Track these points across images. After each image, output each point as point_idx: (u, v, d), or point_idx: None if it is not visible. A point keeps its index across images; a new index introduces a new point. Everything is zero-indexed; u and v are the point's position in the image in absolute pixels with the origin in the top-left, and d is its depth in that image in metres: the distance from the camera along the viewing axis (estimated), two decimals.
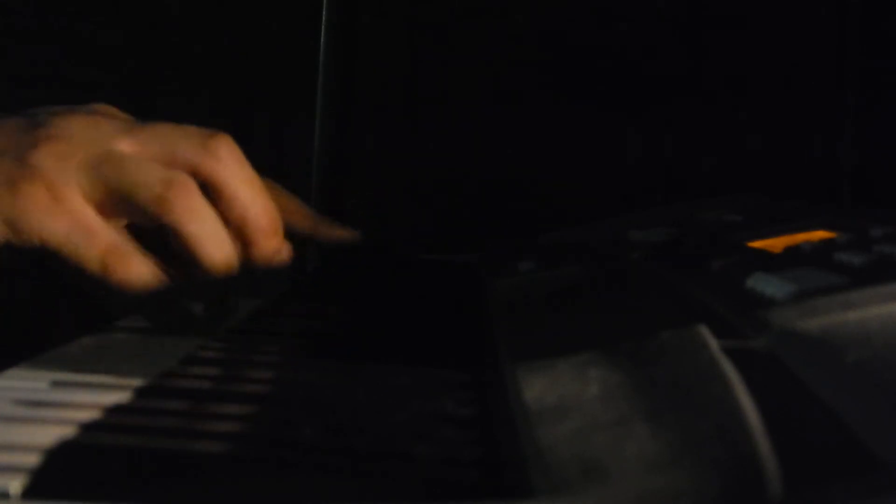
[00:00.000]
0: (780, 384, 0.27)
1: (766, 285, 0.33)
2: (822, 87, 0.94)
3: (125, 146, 0.45)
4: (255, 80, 0.98)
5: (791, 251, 0.41)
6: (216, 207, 0.46)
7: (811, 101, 0.95)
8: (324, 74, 0.92)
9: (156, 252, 0.45)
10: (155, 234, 0.46)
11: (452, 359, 0.42)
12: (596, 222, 0.69)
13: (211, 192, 0.46)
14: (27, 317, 0.84)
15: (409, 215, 1.00)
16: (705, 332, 0.30)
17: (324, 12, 0.93)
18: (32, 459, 0.28)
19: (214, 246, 0.46)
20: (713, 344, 0.29)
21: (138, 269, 0.44)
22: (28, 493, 0.26)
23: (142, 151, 0.45)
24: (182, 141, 0.46)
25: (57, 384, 0.37)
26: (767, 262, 0.38)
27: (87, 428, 0.31)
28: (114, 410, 0.33)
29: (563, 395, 0.29)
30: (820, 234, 0.45)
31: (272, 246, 0.49)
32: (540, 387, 0.30)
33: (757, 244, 0.45)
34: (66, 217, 0.43)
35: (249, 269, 0.48)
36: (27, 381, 0.38)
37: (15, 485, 0.26)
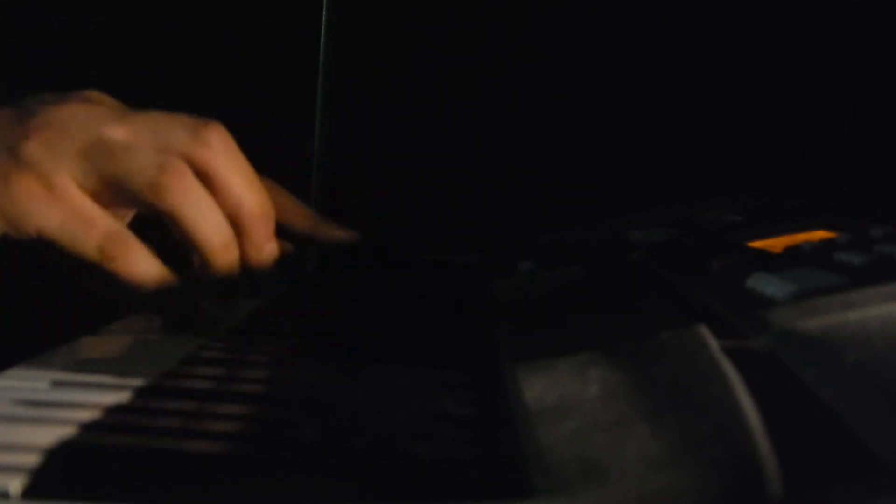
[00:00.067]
0: (780, 384, 0.27)
1: (766, 285, 0.33)
2: (822, 87, 0.94)
3: (117, 133, 0.44)
4: (255, 80, 0.98)
5: (791, 251, 0.41)
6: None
7: (811, 101, 0.95)
8: (324, 74, 0.92)
9: (157, 251, 0.45)
10: (155, 232, 0.46)
11: (452, 359, 0.42)
12: (596, 222, 0.68)
13: (203, 180, 0.46)
14: (27, 317, 0.84)
15: (409, 215, 1.00)
16: (705, 332, 0.30)
17: (324, 12, 0.93)
18: (32, 459, 0.28)
19: (211, 228, 0.45)
20: (713, 344, 0.29)
21: (138, 256, 0.43)
22: (28, 493, 0.26)
23: (134, 139, 0.44)
24: (174, 128, 0.45)
25: (57, 384, 0.37)
26: (767, 262, 0.38)
27: (87, 428, 0.31)
28: (114, 410, 0.33)
29: (563, 395, 0.29)
30: (820, 234, 0.45)
31: (266, 234, 0.48)
32: (540, 387, 0.30)
33: (757, 244, 0.45)
34: (61, 206, 0.42)
35: (244, 261, 0.48)
36: (27, 381, 0.37)
37: (15, 485, 0.26)
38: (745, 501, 0.21)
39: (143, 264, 0.44)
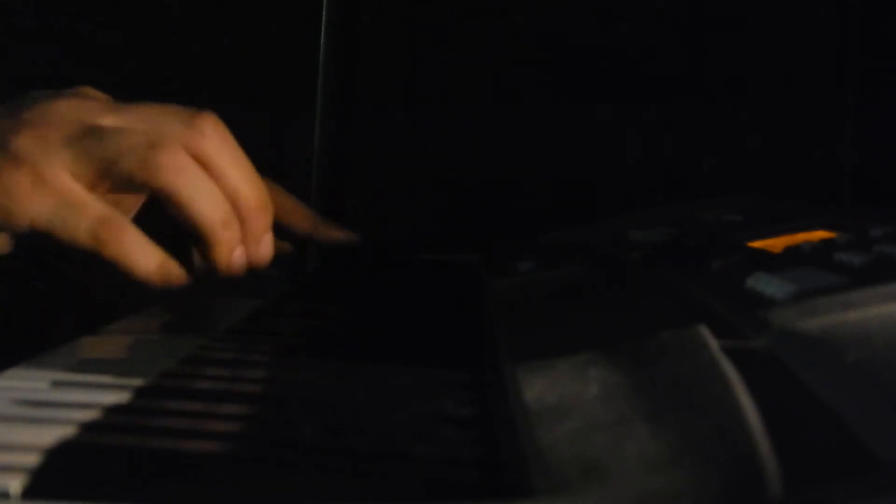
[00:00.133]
0: (780, 384, 0.27)
1: (766, 285, 0.33)
2: (822, 87, 0.94)
3: (108, 121, 0.44)
4: (255, 80, 0.98)
5: (791, 251, 0.41)
6: None
7: (811, 101, 0.95)
8: (324, 74, 0.92)
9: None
10: (155, 230, 0.45)
11: (452, 359, 0.42)
12: (596, 222, 0.68)
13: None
14: (27, 317, 0.84)
15: (409, 215, 1.00)
16: (705, 332, 0.30)
17: (324, 12, 0.93)
18: (32, 459, 0.28)
19: (210, 203, 0.44)
20: (713, 344, 0.29)
21: (132, 239, 0.43)
22: (28, 493, 0.26)
23: (125, 124, 0.44)
24: (167, 118, 0.45)
25: (57, 384, 0.37)
26: (767, 262, 0.38)
27: (87, 428, 0.31)
28: (114, 410, 0.33)
29: (563, 395, 0.29)
30: (820, 234, 0.45)
31: (264, 225, 0.48)
32: (540, 387, 0.30)
33: (757, 244, 0.45)
34: (52, 195, 0.42)
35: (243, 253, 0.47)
36: (27, 381, 0.38)
37: (15, 485, 0.26)
38: (745, 501, 0.21)
39: (137, 247, 0.43)
